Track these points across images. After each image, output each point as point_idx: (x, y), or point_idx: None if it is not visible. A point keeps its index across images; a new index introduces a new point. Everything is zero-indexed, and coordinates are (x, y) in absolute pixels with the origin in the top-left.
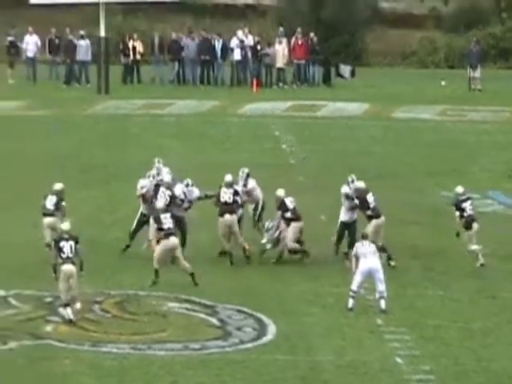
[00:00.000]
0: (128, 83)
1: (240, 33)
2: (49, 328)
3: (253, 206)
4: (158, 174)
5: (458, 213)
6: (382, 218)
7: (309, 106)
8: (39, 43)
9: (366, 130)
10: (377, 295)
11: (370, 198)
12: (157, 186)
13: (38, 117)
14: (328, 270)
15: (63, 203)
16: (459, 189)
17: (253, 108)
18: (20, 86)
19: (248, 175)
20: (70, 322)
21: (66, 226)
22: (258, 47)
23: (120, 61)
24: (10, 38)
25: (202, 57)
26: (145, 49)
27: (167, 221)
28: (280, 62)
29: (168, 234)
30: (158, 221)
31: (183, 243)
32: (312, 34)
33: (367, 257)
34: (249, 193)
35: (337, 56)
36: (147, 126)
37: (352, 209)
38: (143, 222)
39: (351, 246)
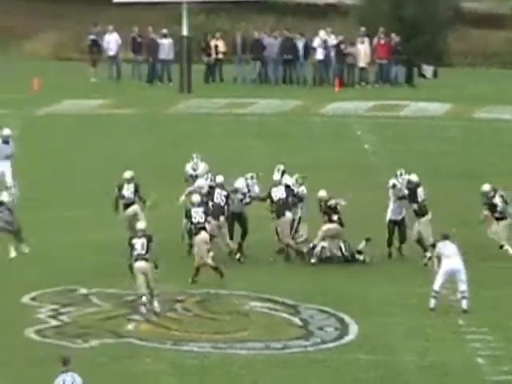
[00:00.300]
0: (210, 82)
1: (322, 32)
2: (130, 326)
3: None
4: (195, 170)
5: (486, 212)
6: (427, 217)
7: (391, 105)
8: (119, 42)
9: (448, 131)
10: (458, 295)
11: (420, 192)
12: (212, 188)
13: (121, 115)
14: (410, 270)
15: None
16: (486, 187)
17: (335, 107)
18: (102, 84)
19: (284, 172)
20: (155, 314)
21: (141, 224)
22: (341, 47)
23: (202, 60)
24: (91, 37)
25: (285, 56)
26: (227, 48)
27: (198, 215)
28: (362, 62)
29: (198, 229)
30: (188, 215)
31: (243, 238)
32: (393, 35)
33: (450, 257)
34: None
35: (419, 56)
36: (229, 126)
37: (400, 199)
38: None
39: (402, 242)
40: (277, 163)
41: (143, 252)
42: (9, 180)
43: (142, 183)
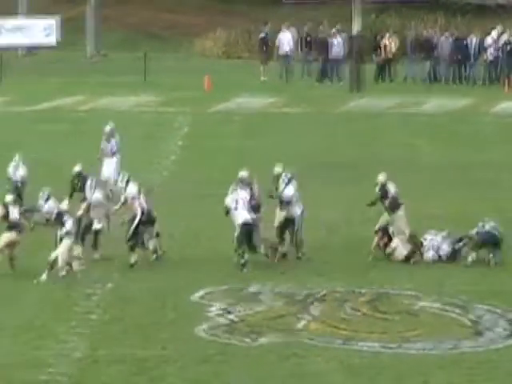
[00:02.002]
0: (381, 81)
1: (494, 32)
2: (300, 325)
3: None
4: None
5: None
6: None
7: None
8: (292, 40)
9: None
10: None
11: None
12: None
13: (291, 114)
14: None
15: None
16: None
17: (505, 107)
18: (273, 83)
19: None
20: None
21: None
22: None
23: (373, 59)
24: (262, 35)
25: (456, 56)
26: (398, 47)
27: None
28: None
29: None
30: None
31: None
32: None
33: None
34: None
35: None
36: (399, 125)
37: None
38: None
39: None
40: (446, 163)
41: None
42: (110, 175)
43: (310, 181)
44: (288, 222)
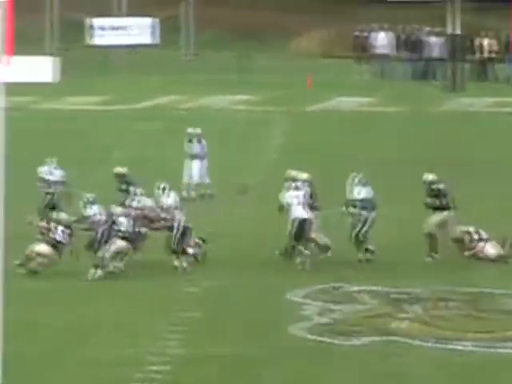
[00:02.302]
0: (482, 81)
1: None
2: (397, 324)
3: None
4: None
5: None
6: None
7: None
8: (388, 40)
9: None
10: None
11: None
12: None
13: (387, 113)
14: None
15: None
16: None
17: None
18: (369, 82)
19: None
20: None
21: None
22: None
23: (472, 59)
24: (357, 34)
25: None
26: (498, 47)
27: None
28: None
29: None
30: None
31: None
32: None
33: None
34: None
35: None
36: (496, 124)
37: None
38: None
39: None
40: None
41: None
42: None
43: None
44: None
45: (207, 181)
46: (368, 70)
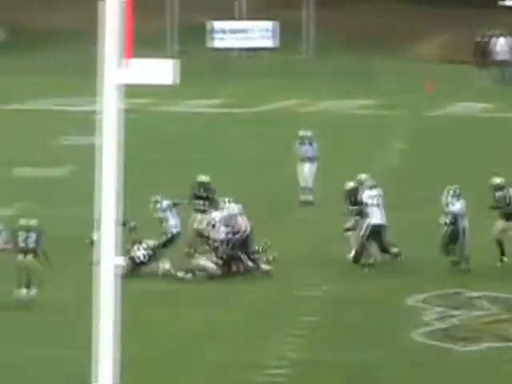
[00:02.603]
0: None
1: None
2: None
3: None
4: None
5: None
6: None
7: None
8: (510, 46)
9: None
10: None
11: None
12: None
13: (509, 119)
14: None
15: None
16: None
17: None
18: (491, 88)
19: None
20: None
21: None
22: None
23: None
24: (478, 40)
25: None
26: None
27: None
28: None
29: None
30: None
31: None
32: None
33: None
34: None
35: None
36: None
37: None
38: None
39: None
40: None
41: None
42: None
43: None
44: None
45: (310, 185)
46: (488, 75)
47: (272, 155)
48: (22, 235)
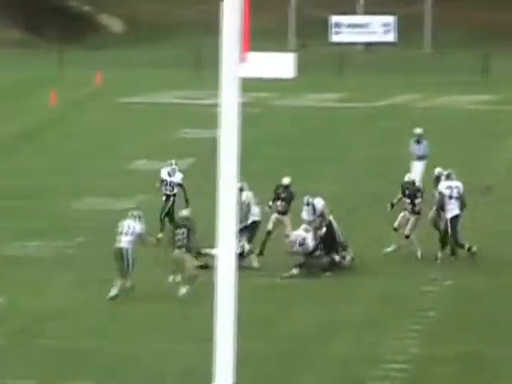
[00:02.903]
0: None
1: None
2: None
3: None
4: None
5: None
6: None
7: None
8: None
9: None
10: None
11: None
12: None
13: None
14: None
15: None
16: None
17: None
18: None
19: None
20: None
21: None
22: None
23: None
24: None
25: None
26: None
27: None
28: None
29: None
30: None
31: None
32: None
33: None
34: None
35: None
36: None
37: None
38: None
39: None
40: None
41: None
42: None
43: None
44: None
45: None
46: None
47: (389, 151)
48: (177, 230)
